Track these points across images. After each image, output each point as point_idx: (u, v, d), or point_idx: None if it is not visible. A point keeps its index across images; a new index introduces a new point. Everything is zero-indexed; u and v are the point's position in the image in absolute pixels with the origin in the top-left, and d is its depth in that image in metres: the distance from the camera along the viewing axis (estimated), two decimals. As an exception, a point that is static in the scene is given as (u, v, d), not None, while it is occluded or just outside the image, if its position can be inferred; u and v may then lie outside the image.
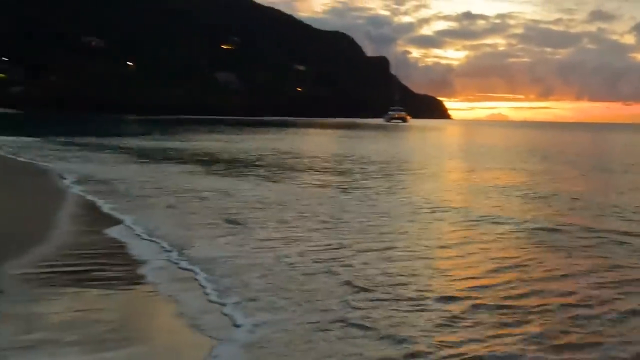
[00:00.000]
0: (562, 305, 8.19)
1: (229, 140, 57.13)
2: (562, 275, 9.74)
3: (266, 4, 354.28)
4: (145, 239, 11.72)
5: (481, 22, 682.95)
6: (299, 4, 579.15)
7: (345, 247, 11.29)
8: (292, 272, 9.58)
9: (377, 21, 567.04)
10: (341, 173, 27.08)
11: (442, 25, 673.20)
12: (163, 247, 11.06)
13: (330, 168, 29.83)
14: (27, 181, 20.88)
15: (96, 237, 11.92)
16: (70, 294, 8.29)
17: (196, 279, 9.09)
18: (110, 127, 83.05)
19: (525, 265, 10.31)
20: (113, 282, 8.94)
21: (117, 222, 13.39)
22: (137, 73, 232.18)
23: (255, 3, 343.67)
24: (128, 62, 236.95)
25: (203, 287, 8.72)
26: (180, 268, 9.71)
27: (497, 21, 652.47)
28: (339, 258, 10.45)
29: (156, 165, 28.60)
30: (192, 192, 18.72)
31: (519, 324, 7.46)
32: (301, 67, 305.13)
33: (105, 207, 15.37)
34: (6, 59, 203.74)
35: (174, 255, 10.47)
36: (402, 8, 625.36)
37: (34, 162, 28.04)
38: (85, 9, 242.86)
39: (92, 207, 15.43)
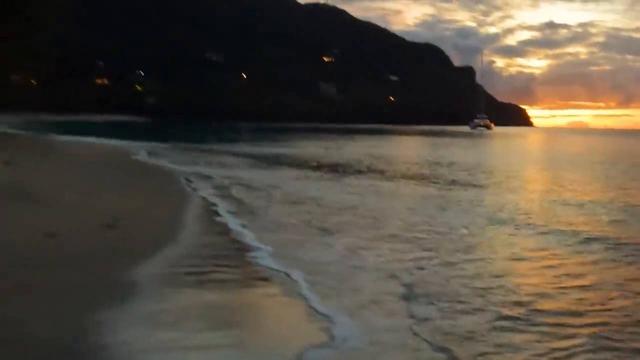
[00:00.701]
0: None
1: (331, 146, 56.90)
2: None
3: (364, 19, 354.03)
4: (256, 243, 11.41)
5: (563, 31, 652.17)
6: (393, 18, 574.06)
7: (432, 257, 10.78)
8: (392, 280, 9.15)
9: (464, 32, 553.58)
10: (430, 179, 26.44)
11: (525, 35, 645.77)
12: (272, 250, 10.78)
13: (421, 174, 29.21)
14: (158, 183, 20.91)
15: (218, 238, 11.81)
16: (194, 294, 8.10)
17: (301, 284, 8.75)
18: (226, 133, 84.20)
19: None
20: (231, 283, 8.77)
21: (235, 224, 13.19)
22: (249, 84, 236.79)
23: (353, 18, 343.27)
24: (243, 74, 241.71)
25: (308, 292, 8.39)
26: (285, 273, 9.33)
27: (579, 30, 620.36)
28: (428, 267, 10.06)
29: (270, 170, 29.05)
30: (302, 197, 18.63)
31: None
32: (394, 78, 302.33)
33: (226, 209, 15.28)
34: (142, 73, 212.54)
35: (283, 260, 10.15)
36: (488, 19, 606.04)
37: (164, 165, 28.52)
38: (207, 29, 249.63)
39: (214, 210, 15.27)
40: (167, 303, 7.67)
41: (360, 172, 29.43)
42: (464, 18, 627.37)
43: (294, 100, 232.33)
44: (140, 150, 38.28)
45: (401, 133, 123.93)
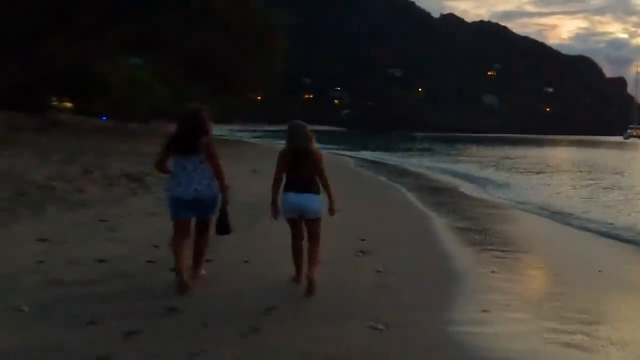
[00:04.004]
0: None
1: (509, 154, 51.47)
2: None
3: (522, 34, 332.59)
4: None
5: None
6: (549, 33, 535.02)
7: None
8: None
9: (616, 44, 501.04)
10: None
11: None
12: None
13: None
14: (383, 195, 16.90)
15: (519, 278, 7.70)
16: None
17: None
18: (409, 142, 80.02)
19: None
20: None
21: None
22: (424, 98, 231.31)
23: (513, 34, 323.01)
24: (418, 88, 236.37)
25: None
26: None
27: None
28: None
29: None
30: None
31: None
32: (549, 89, 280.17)
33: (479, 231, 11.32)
34: (339, 89, 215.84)
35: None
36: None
37: (381, 175, 24.41)
38: (390, 48, 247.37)
39: (462, 230, 11.15)
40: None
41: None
42: (617, 30, 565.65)
43: (461, 111, 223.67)
44: (350, 160, 34.62)
45: (560, 143, 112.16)
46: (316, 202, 6.14)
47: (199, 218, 5.97)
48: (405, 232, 10.70)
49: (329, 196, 6.20)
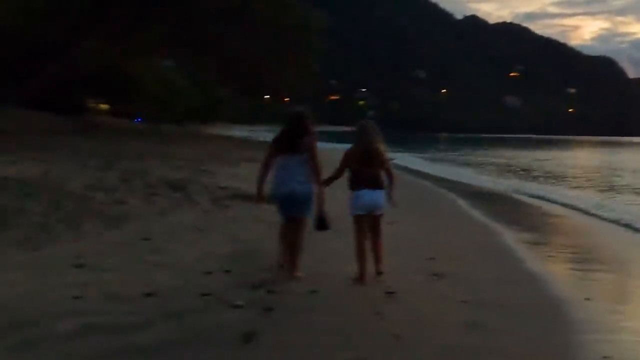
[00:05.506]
0: None
1: (539, 157, 49.53)
2: None
3: (545, 35, 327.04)
4: None
5: None
6: (571, 34, 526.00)
7: None
8: None
9: (638, 44, 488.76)
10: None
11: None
12: None
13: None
14: (439, 206, 14.84)
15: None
16: None
17: None
18: (437, 144, 78.49)
19: None
20: None
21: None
22: (447, 99, 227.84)
23: (536, 35, 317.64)
24: (442, 89, 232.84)
25: None
26: None
27: None
28: None
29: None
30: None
31: None
32: (572, 90, 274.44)
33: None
34: (364, 90, 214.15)
35: None
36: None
37: (421, 179, 22.17)
38: (416, 50, 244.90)
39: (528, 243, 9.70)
40: None
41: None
42: (639, 30, 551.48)
43: (484, 112, 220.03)
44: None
45: (586, 144, 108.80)
46: (384, 198, 6.31)
47: (293, 215, 6.08)
48: (475, 247, 9.34)
49: (392, 189, 6.36)
